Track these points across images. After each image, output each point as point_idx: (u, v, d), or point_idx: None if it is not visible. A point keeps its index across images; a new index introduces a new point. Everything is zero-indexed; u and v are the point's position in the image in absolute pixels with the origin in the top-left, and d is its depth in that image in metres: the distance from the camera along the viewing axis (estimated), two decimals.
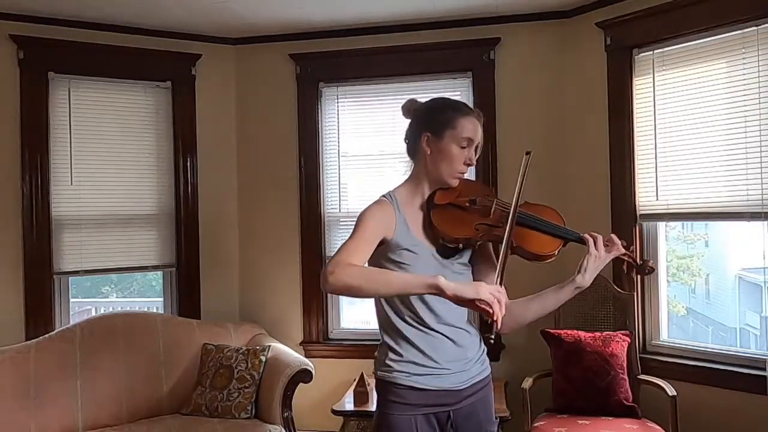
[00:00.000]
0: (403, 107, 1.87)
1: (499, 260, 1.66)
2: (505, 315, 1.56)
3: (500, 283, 1.59)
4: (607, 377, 3.05)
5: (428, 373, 1.74)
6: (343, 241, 1.65)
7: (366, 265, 1.66)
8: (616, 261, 1.75)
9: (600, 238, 1.72)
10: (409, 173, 1.85)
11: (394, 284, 1.57)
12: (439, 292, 1.52)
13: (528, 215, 1.75)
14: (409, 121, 1.86)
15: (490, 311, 1.50)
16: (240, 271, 4.21)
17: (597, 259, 1.70)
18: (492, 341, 1.56)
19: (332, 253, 3.97)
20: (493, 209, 1.76)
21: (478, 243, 1.78)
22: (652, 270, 1.75)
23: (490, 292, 1.51)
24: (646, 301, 3.44)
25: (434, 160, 1.77)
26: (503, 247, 1.65)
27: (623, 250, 1.73)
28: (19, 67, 3.62)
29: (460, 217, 1.75)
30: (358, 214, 1.73)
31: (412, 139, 1.83)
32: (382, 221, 1.71)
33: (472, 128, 1.76)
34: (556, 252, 1.73)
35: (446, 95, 3.78)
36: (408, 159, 1.86)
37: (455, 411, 1.77)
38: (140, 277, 7.01)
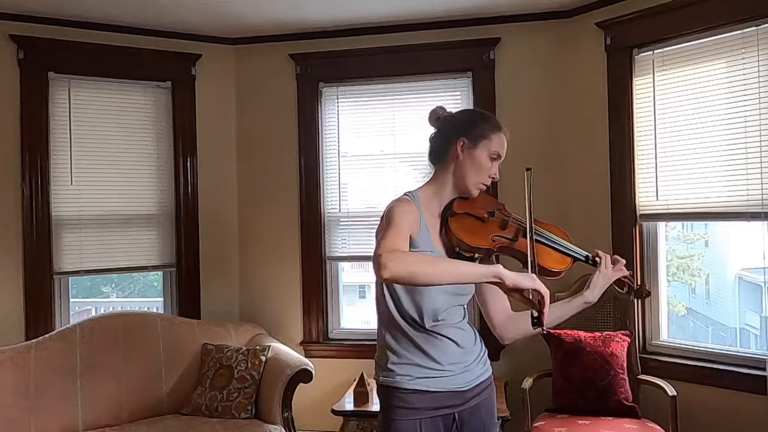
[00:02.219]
0: (431, 114, 1.88)
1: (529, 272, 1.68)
2: (518, 326, 1.70)
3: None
4: (607, 377, 3.05)
5: (432, 375, 1.73)
6: (381, 236, 1.61)
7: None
8: (618, 281, 1.87)
9: (608, 257, 1.84)
10: (430, 176, 1.86)
11: (454, 271, 1.54)
12: (500, 280, 1.53)
13: (544, 233, 1.79)
14: (435, 127, 1.88)
15: (543, 301, 1.54)
16: (240, 271, 4.21)
17: (605, 277, 1.81)
18: (545, 332, 1.70)
19: (332, 254, 4.05)
20: (509, 223, 1.79)
21: (495, 254, 1.79)
22: (649, 294, 1.92)
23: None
24: (646, 301, 3.43)
25: (464, 166, 1.78)
26: (529, 260, 1.68)
27: (626, 272, 1.85)
28: (19, 67, 3.62)
29: (477, 227, 1.77)
30: (383, 212, 1.72)
31: (442, 144, 1.83)
32: (410, 218, 1.70)
33: (502, 144, 1.82)
34: (567, 269, 1.80)
35: (446, 95, 3.88)
36: (429, 163, 1.88)
37: (459, 413, 1.77)
38: (140, 277, 7.01)
